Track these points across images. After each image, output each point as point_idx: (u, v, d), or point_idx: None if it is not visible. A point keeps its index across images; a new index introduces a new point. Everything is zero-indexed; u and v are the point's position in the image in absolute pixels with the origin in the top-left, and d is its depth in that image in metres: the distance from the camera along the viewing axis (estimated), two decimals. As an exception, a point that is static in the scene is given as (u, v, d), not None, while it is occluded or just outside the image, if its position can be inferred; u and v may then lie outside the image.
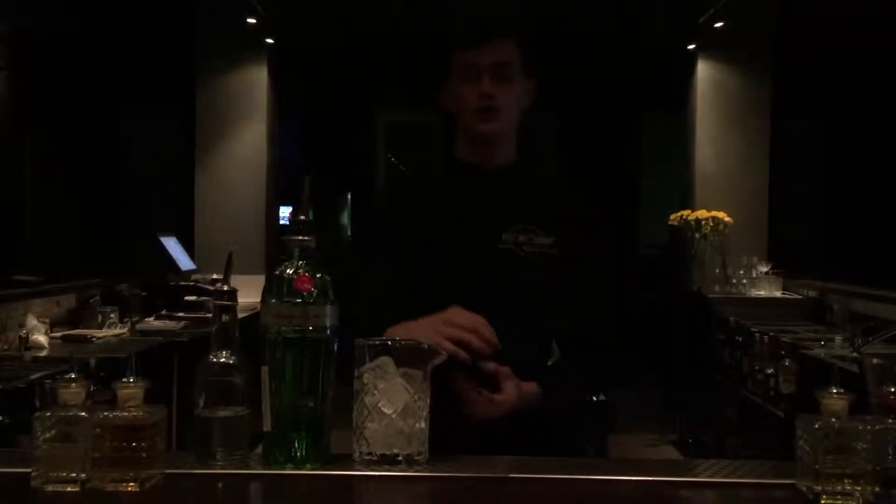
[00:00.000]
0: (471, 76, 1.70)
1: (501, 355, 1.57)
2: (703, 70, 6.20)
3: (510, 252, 1.68)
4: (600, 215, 1.85)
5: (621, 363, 1.81)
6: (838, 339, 3.90)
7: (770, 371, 4.16)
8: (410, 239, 1.71)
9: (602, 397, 4.25)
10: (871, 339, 3.61)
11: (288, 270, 1.32)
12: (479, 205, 1.73)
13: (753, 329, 4.53)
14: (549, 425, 1.67)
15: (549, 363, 1.76)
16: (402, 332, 1.50)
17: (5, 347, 3.51)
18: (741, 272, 5.61)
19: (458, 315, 1.55)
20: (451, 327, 1.52)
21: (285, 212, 7.17)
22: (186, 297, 4.90)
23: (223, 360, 1.33)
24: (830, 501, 1.15)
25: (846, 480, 1.15)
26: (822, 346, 3.86)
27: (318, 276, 1.32)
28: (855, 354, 3.50)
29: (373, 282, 1.69)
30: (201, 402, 1.32)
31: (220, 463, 1.30)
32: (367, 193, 8.92)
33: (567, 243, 1.71)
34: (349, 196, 9.04)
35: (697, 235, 5.81)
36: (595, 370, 1.75)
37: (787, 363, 3.92)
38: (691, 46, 6.25)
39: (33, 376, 2.86)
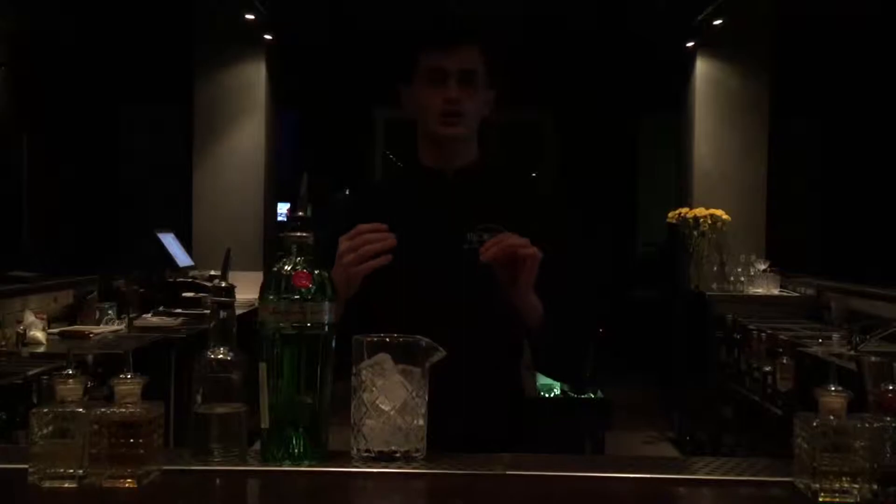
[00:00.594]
0: (437, 79, 1.70)
1: (471, 355, 1.58)
2: (702, 68, 6.20)
3: (474, 252, 1.65)
4: (566, 209, 1.84)
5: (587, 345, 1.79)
6: (836, 336, 3.90)
7: (767, 369, 4.16)
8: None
9: (601, 394, 4.26)
10: (868, 337, 3.61)
11: (286, 267, 1.32)
12: (442, 207, 1.74)
13: (751, 327, 4.53)
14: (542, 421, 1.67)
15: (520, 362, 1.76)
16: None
17: (2, 343, 3.50)
18: (739, 270, 5.62)
19: (343, 243, 1.53)
20: (349, 254, 1.52)
21: (283, 209, 7.17)
22: (184, 294, 4.90)
23: (221, 356, 1.33)
24: (828, 499, 1.15)
25: (844, 478, 1.15)
26: (820, 343, 3.86)
27: (316, 272, 1.32)
28: (852, 352, 3.51)
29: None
30: (199, 399, 1.32)
31: (217, 459, 1.29)
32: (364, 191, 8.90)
33: (533, 240, 1.67)
34: (347, 192, 9.03)
35: (695, 233, 5.81)
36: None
37: (784, 361, 3.92)
38: (690, 44, 6.25)
39: (31, 372, 2.86)
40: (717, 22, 5.84)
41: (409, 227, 1.68)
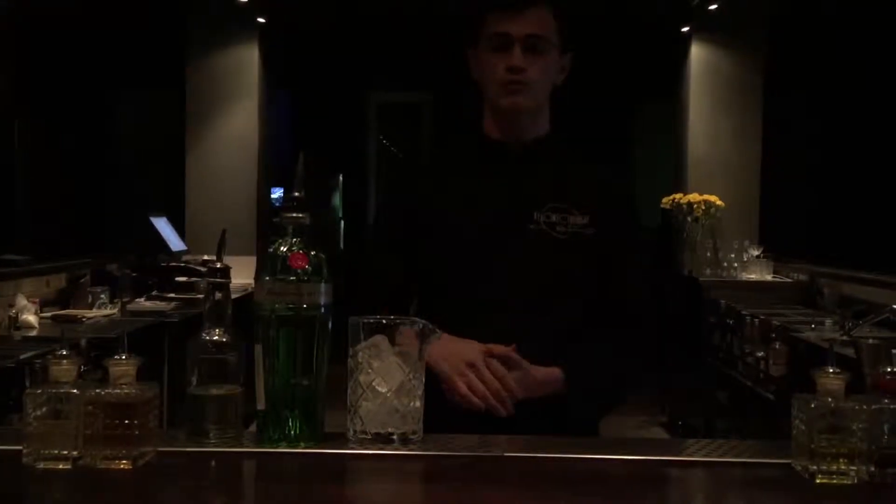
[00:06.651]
0: (501, 46, 1.60)
1: (531, 343, 1.52)
2: (697, 52, 6.18)
3: (542, 233, 1.60)
4: (631, 191, 1.77)
5: (648, 351, 1.71)
6: (828, 322, 3.91)
7: (760, 354, 4.16)
8: (437, 220, 1.62)
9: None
10: (860, 322, 3.61)
11: (282, 248, 1.31)
12: (507, 183, 1.64)
13: (744, 312, 4.54)
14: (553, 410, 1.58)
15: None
16: (437, 349, 1.42)
17: (-5, 327, 3.49)
18: (732, 255, 5.62)
19: (490, 364, 1.48)
20: (474, 374, 1.47)
21: (276, 193, 7.14)
22: (177, 278, 4.87)
23: (216, 337, 1.32)
24: (826, 480, 1.15)
25: (841, 460, 1.15)
26: (813, 329, 3.87)
27: (312, 253, 1.31)
28: (844, 338, 3.51)
29: (392, 268, 1.63)
30: (194, 380, 1.31)
31: (213, 441, 1.29)
32: (358, 174, 8.90)
33: (602, 222, 1.62)
34: (340, 177, 9.01)
35: (689, 219, 5.82)
36: (623, 357, 1.66)
37: (777, 346, 3.93)
38: (685, 29, 6.23)
39: (23, 356, 2.85)
40: (713, 7, 5.82)
41: (472, 204, 1.61)
